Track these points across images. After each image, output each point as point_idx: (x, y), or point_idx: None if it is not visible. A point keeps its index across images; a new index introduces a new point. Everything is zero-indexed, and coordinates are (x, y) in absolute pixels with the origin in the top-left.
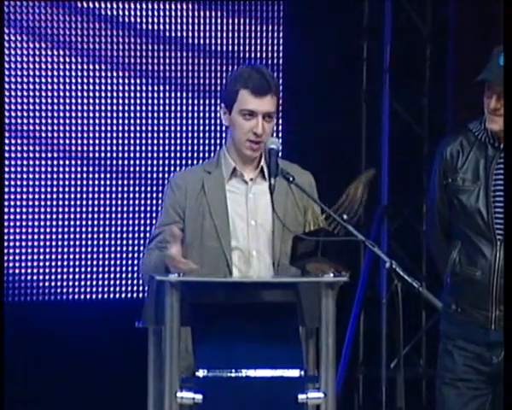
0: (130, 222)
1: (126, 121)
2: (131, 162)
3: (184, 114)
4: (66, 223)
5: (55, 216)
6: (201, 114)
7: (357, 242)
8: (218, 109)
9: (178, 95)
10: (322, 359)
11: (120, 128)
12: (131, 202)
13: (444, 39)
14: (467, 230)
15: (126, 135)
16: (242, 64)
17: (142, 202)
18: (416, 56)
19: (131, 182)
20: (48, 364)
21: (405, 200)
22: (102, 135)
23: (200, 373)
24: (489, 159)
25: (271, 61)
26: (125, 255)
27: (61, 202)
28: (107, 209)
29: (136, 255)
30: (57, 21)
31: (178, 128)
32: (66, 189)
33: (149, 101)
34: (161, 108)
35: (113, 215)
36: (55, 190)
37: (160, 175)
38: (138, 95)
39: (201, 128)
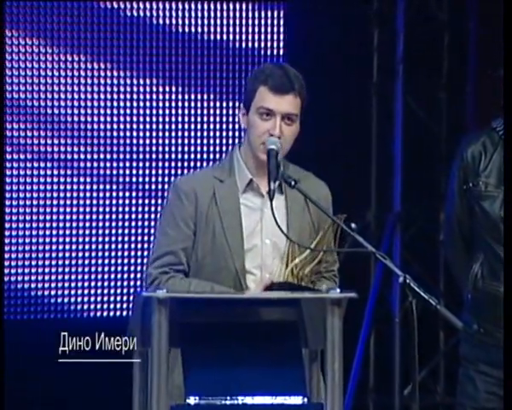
0: (133, 239)
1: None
2: (139, 179)
3: (187, 111)
4: (61, 232)
5: (52, 224)
6: (205, 111)
7: (367, 253)
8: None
9: (185, 90)
10: (327, 384)
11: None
12: (133, 215)
13: (463, 26)
14: (490, 240)
15: (128, 143)
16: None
17: (146, 216)
18: (433, 45)
19: (135, 196)
20: (45, 379)
21: (420, 206)
22: (101, 148)
23: (192, 401)
24: None
25: (271, 52)
26: (126, 268)
27: (57, 213)
28: (108, 221)
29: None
30: (53, 22)
31: (183, 127)
32: (68, 196)
33: (153, 99)
34: (167, 105)
35: (114, 228)
36: (55, 201)
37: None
38: (141, 90)
39: (205, 126)
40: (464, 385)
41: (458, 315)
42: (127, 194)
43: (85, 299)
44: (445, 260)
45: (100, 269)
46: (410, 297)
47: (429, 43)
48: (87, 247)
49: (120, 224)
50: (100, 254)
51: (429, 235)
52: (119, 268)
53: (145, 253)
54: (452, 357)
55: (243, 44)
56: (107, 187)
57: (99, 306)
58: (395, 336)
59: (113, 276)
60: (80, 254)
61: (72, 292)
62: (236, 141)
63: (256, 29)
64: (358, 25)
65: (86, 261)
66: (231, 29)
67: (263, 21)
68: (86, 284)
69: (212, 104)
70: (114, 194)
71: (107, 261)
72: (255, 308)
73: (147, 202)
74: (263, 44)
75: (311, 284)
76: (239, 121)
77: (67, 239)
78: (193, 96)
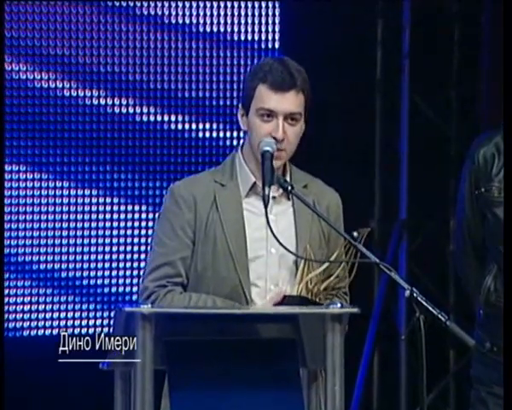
0: (136, 249)
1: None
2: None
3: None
4: (59, 248)
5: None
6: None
7: (371, 265)
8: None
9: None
10: (327, 408)
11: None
12: (135, 224)
13: (476, 17)
14: (504, 250)
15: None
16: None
17: (150, 224)
18: (442, 39)
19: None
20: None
21: (428, 213)
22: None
23: None
24: None
25: (265, 45)
26: (128, 280)
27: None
28: (108, 229)
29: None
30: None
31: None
32: (64, 202)
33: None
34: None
35: (115, 237)
36: (51, 207)
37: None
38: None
39: (200, 127)
40: (476, 409)
41: (470, 332)
42: (129, 200)
43: (84, 315)
44: (455, 272)
45: (99, 282)
46: (418, 313)
47: (438, 36)
48: (86, 258)
49: (122, 232)
50: (100, 264)
51: (438, 244)
52: (121, 281)
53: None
54: (463, 378)
55: (235, 37)
56: (107, 194)
57: (99, 322)
58: (401, 355)
59: (114, 289)
60: (78, 265)
61: (69, 307)
62: (235, 140)
63: (249, 20)
64: (361, 17)
65: (85, 274)
66: (222, 20)
67: (256, 12)
68: (84, 299)
69: (207, 102)
70: (115, 200)
71: (107, 273)
72: (249, 325)
73: (151, 208)
74: (257, 37)
75: (325, 301)
76: (238, 122)
77: (60, 250)
78: (187, 94)
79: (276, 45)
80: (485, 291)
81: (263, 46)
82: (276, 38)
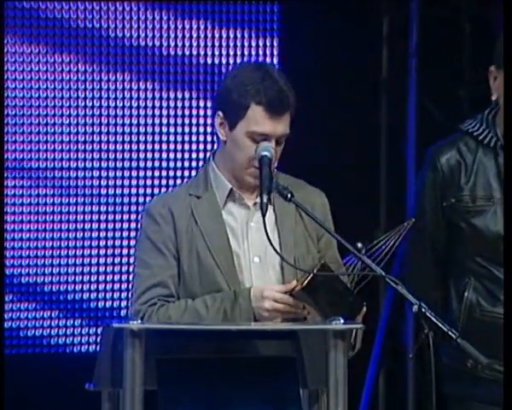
0: (124, 269)
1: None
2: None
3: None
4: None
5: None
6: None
7: (376, 278)
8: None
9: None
10: None
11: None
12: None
13: (487, 13)
14: (484, 261)
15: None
16: (240, 62)
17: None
18: (452, 35)
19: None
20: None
21: None
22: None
23: None
24: (502, 168)
25: (263, 42)
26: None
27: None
28: (104, 247)
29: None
30: None
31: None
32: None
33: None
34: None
35: (111, 257)
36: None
37: None
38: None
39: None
40: None
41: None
42: (117, 210)
43: (69, 331)
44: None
45: (85, 296)
46: (426, 329)
47: (447, 32)
48: (71, 270)
49: (110, 243)
50: (86, 277)
51: None
52: (109, 295)
53: None
54: None
55: (231, 33)
56: (94, 203)
57: (85, 339)
58: (408, 374)
59: (101, 304)
60: (63, 279)
61: (53, 323)
62: None
63: (246, 17)
64: (365, 11)
65: (70, 288)
66: (218, 24)
67: (253, 9)
68: (70, 314)
69: (194, 104)
70: (103, 208)
71: (94, 287)
72: (246, 342)
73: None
74: (254, 34)
75: None
76: (214, 127)
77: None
78: (172, 95)
79: (275, 43)
80: (467, 306)
81: (261, 44)
82: (276, 36)
